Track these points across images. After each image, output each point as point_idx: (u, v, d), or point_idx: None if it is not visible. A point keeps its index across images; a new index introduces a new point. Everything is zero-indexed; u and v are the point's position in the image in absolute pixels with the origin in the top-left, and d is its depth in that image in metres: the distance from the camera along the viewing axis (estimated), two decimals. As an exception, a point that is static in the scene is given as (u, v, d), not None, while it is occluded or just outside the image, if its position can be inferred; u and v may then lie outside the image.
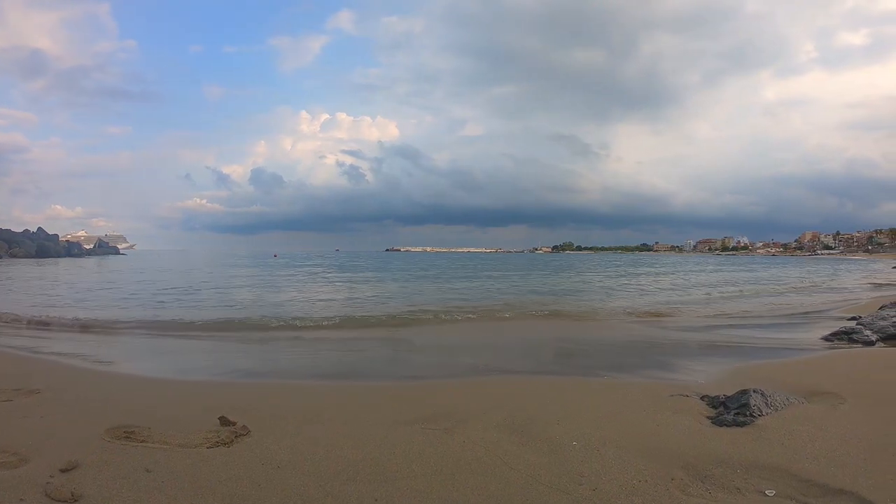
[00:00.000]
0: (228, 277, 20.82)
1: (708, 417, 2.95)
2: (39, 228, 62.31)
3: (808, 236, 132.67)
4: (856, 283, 17.96)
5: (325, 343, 6.38)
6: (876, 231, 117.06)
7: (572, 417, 2.95)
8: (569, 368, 4.73)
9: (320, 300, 12.09)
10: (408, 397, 3.52)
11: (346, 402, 3.44)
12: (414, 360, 5.44)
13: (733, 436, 2.63)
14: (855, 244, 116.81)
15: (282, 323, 7.83)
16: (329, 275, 24.56)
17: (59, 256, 56.72)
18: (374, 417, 3.00)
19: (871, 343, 5.45)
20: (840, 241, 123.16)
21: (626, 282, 19.57)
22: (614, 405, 3.21)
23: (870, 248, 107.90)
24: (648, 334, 6.78)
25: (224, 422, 2.78)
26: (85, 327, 7.58)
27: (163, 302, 11.06)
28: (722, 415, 2.94)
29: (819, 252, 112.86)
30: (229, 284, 16.88)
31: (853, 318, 7.20)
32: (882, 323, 5.95)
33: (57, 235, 65.99)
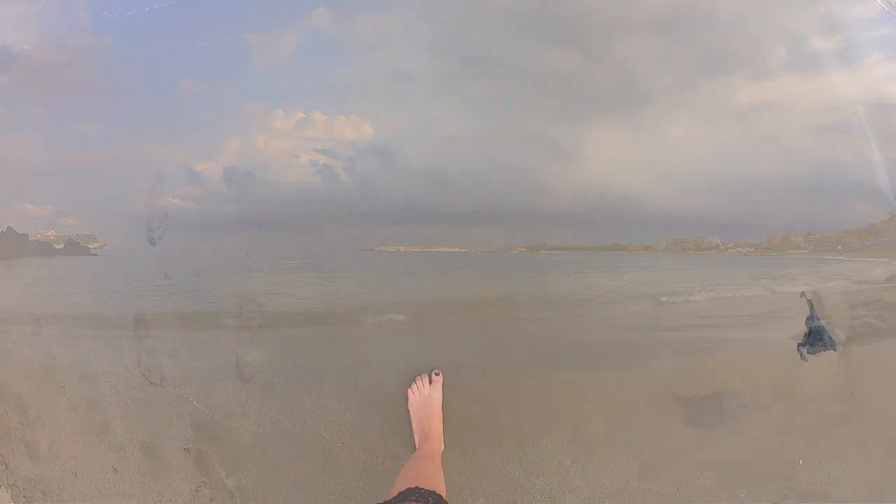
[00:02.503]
0: (202, 276, 20.56)
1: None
2: (9, 228, 60.95)
3: (779, 237, 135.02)
4: (827, 282, 18.25)
5: (302, 344, 6.28)
6: (845, 231, 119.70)
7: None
8: (537, 367, 4.70)
9: (295, 297, 11.95)
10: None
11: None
12: (387, 361, 5.38)
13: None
14: (825, 244, 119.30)
15: (253, 319, 7.67)
16: (304, 274, 24.36)
17: (29, 256, 55.69)
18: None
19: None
20: (811, 241, 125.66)
21: (598, 282, 19.65)
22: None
23: (840, 247, 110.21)
24: (616, 333, 6.76)
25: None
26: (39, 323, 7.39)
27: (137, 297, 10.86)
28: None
29: (790, 251, 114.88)
30: (203, 283, 16.66)
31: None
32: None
33: (27, 235, 64.69)
